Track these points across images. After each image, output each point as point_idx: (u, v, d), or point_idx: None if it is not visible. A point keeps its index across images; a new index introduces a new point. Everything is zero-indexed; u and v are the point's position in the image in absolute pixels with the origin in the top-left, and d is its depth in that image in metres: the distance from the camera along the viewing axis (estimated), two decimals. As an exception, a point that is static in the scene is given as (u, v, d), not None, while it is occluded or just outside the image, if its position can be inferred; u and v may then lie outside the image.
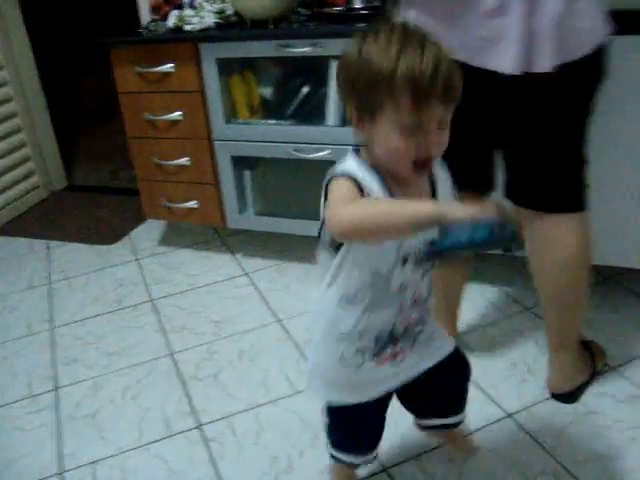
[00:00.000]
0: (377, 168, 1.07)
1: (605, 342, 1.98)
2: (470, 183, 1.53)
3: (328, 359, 1.24)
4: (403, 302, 1.19)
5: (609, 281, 2.30)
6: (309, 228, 2.45)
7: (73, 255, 2.91)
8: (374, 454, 1.46)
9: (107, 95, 3.45)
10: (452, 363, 1.37)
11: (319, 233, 1.14)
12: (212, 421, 1.83)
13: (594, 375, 1.85)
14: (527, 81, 1.36)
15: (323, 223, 1.08)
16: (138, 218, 3.10)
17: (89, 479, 1.68)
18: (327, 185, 1.07)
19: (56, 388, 2.04)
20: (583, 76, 1.42)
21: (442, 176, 1.17)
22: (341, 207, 1.01)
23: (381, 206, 1.01)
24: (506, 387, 1.85)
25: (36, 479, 1.70)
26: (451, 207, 0.95)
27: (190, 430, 1.81)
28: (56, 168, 3.76)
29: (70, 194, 3.71)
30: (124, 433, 1.82)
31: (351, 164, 1.08)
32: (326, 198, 1.06)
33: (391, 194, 1.06)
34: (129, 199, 3.32)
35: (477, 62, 1.37)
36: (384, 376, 1.27)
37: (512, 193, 1.63)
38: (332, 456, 1.47)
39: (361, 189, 1.03)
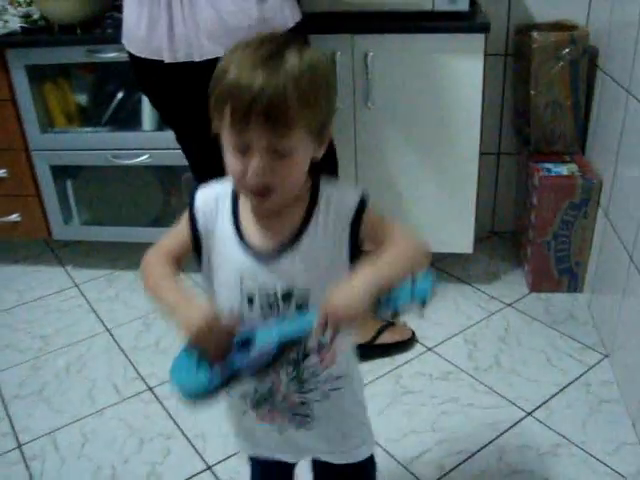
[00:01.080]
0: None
1: (426, 326, 2.09)
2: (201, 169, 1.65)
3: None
4: None
5: (432, 267, 2.42)
6: (136, 234, 2.42)
7: None
8: None
9: None
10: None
11: None
12: (33, 439, 1.77)
13: (372, 341, 1.96)
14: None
15: None
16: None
17: None
18: None
19: None
20: None
21: (337, 212, 0.99)
22: (154, 250, 1.02)
23: (159, 292, 0.98)
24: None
25: None
26: (199, 334, 0.91)
27: (9, 451, 1.74)
28: None
29: None
30: None
31: (220, 184, 1.03)
32: None
33: (238, 227, 0.99)
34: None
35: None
36: (272, 438, 1.13)
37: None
38: None
39: (195, 222, 1.01)
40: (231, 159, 0.92)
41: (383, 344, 1.97)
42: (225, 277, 1.00)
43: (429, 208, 2.14)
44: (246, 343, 0.92)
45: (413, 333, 2.04)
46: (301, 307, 0.99)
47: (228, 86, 0.87)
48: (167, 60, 1.49)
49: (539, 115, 2.17)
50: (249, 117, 0.85)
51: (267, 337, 0.92)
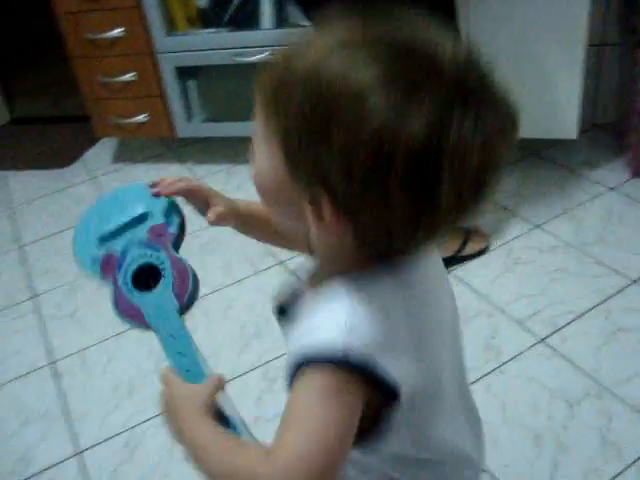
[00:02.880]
0: None
1: (529, 206, 2.22)
2: None
3: None
4: None
5: (533, 156, 2.51)
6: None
7: (30, 181, 2.99)
8: None
9: (40, 29, 3.48)
10: None
11: None
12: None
13: (459, 253, 2.01)
14: None
15: None
16: (89, 141, 3.19)
17: None
18: None
19: (36, 295, 2.21)
20: None
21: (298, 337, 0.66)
22: None
23: None
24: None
25: None
26: None
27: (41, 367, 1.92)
28: (-3, 103, 3.74)
29: (15, 127, 3.72)
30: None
31: None
32: None
33: None
34: (76, 126, 3.38)
35: None
36: None
37: None
38: None
39: None
40: None
41: (465, 255, 2.01)
42: None
43: (535, 93, 2.21)
44: None
45: (488, 238, 2.08)
46: None
47: None
48: None
49: (648, 1, 2.19)
50: None
51: None
